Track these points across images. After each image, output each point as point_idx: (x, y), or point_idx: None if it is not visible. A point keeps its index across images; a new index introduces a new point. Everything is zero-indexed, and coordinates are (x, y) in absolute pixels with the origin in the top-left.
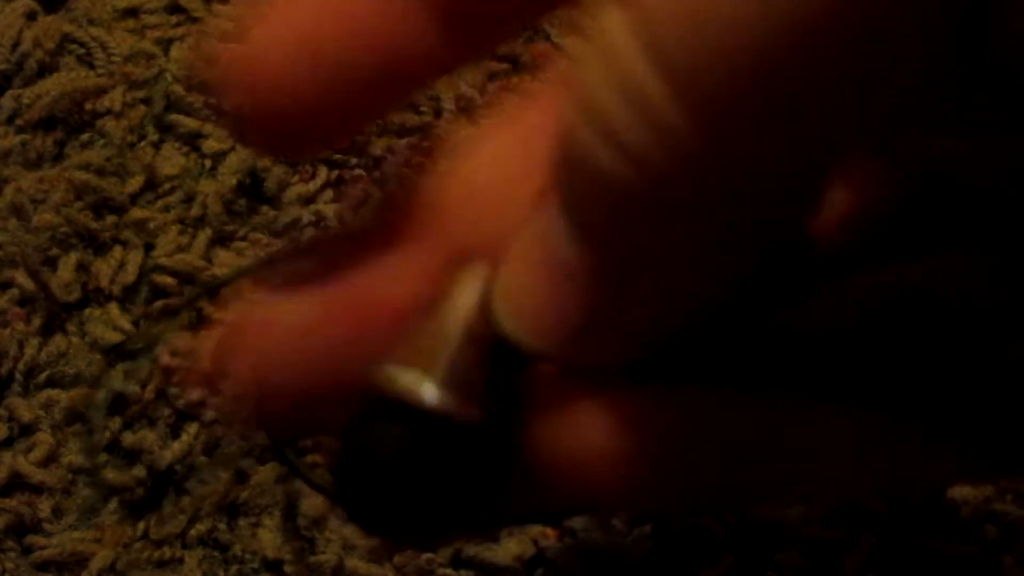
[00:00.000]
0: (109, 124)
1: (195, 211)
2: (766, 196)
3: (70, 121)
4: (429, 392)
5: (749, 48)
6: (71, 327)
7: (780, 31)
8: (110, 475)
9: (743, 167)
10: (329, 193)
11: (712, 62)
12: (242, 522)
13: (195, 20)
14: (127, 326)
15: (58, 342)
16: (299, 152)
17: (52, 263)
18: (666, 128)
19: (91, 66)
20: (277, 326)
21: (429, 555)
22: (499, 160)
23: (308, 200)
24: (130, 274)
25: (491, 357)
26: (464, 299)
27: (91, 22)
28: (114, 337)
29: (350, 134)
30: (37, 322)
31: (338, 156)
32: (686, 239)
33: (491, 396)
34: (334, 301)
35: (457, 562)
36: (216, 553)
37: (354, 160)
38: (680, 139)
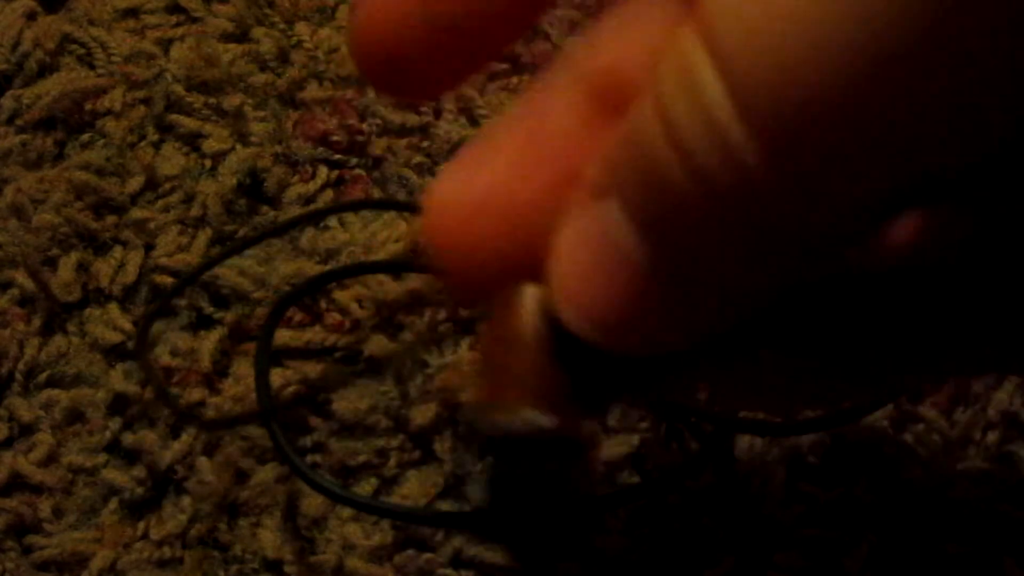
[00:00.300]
0: (109, 124)
1: (195, 211)
2: (826, 226)
3: (70, 121)
4: (543, 420)
5: (827, 89)
6: (71, 327)
7: (858, 74)
8: (110, 475)
9: (806, 200)
10: (329, 193)
11: (787, 100)
12: (242, 522)
13: (195, 20)
14: (127, 326)
15: (58, 342)
16: (421, 93)
17: (52, 263)
18: (737, 157)
19: (91, 66)
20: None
21: (429, 555)
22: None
23: (308, 200)
24: (130, 274)
25: (562, 361)
26: (527, 319)
27: (91, 22)
28: (114, 337)
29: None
30: (37, 322)
31: (338, 156)
32: (744, 250)
33: (575, 396)
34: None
35: (457, 562)
36: (216, 553)
37: (354, 160)
38: (749, 169)
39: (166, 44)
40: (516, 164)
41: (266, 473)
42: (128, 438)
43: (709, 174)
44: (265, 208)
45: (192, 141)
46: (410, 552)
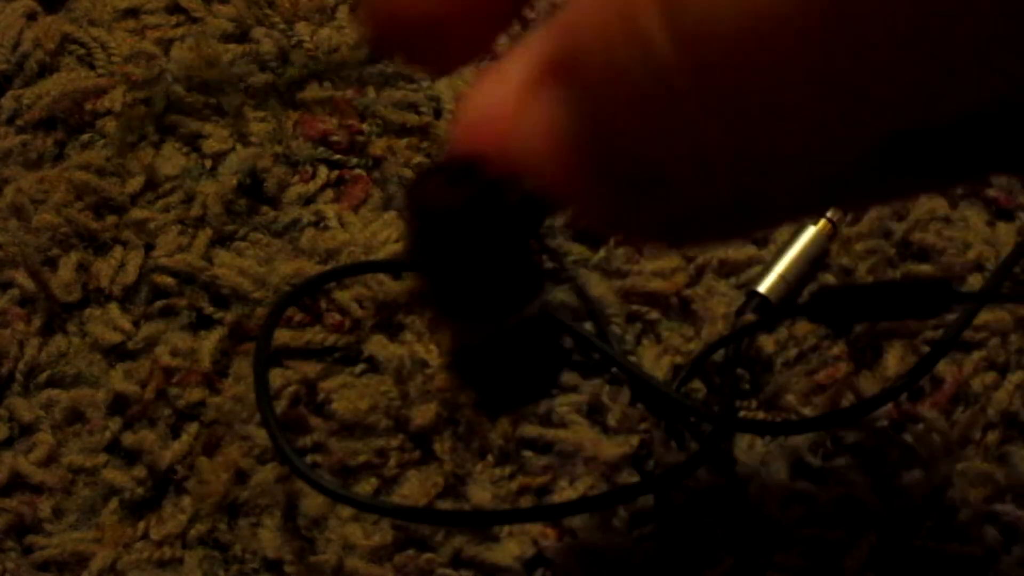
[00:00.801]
0: (109, 124)
1: (195, 211)
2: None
3: (70, 121)
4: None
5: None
6: (71, 327)
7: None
8: (110, 475)
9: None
10: (329, 193)
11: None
12: (242, 522)
13: (195, 20)
14: (127, 326)
15: (58, 342)
16: (443, 63)
17: (52, 263)
18: (658, 64)
19: (91, 66)
20: None
21: (429, 555)
22: None
23: (308, 200)
24: (130, 274)
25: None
26: None
27: (91, 22)
28: (114, 337)
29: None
30: (37, 322)
31: (338, 156)
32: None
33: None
34: None
35: (457, 562)
36: (216, 553)
37: (354, 160)
38: (669, 76)
39: (166, 44)
40: None
41: (266, 473)
42: (128, 438)
43: (633, 76)
44: (265, 208)
45: (192, 141)
46: (410, 552)
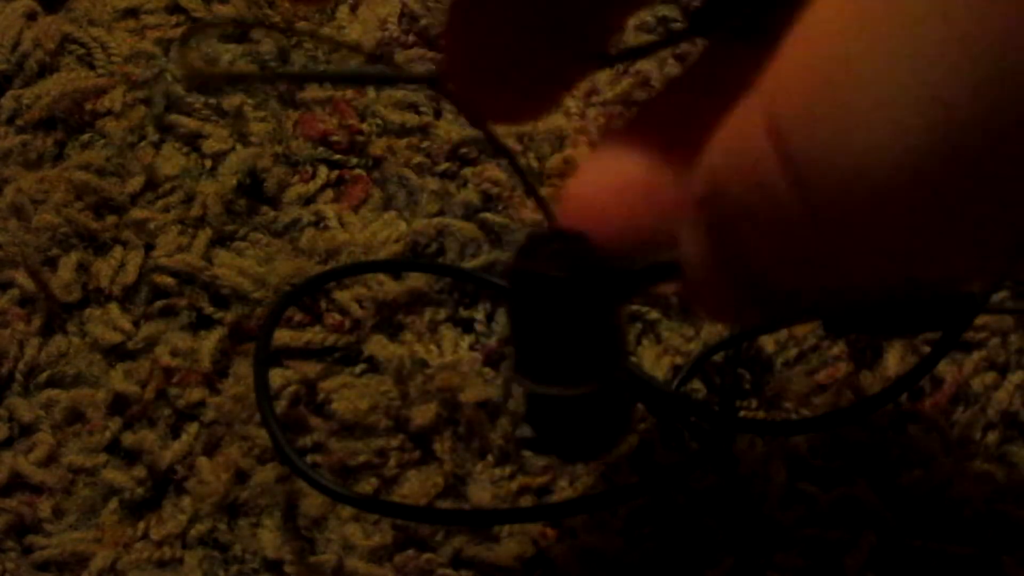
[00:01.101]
0: (109, 124)
1: (195, 211)
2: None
3: (70, 121)
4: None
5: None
6: (71, 327)
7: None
8: (110, 475)
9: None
10: (329, 193)
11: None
12: (242, 522)
13: (195, 20)
14: (127, 326)
15: (58, 342)
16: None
17: (52, 263)
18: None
19: (91, 66)
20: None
21: (429, 555)
22: None
23: (308, 200)
24: (130, 274)
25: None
26: None
27: (91, 22)
28: (114, 337)
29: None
30: (37, 322)
31: (338, 156)
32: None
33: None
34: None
35: (457, 562)
36: (216, 553)
37: (354, 160)
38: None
39: (166, 44)
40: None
41: (266, 473)
42: (128, 438)
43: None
44: (265, 208)
45: (192, 141)
46: (410, 552)
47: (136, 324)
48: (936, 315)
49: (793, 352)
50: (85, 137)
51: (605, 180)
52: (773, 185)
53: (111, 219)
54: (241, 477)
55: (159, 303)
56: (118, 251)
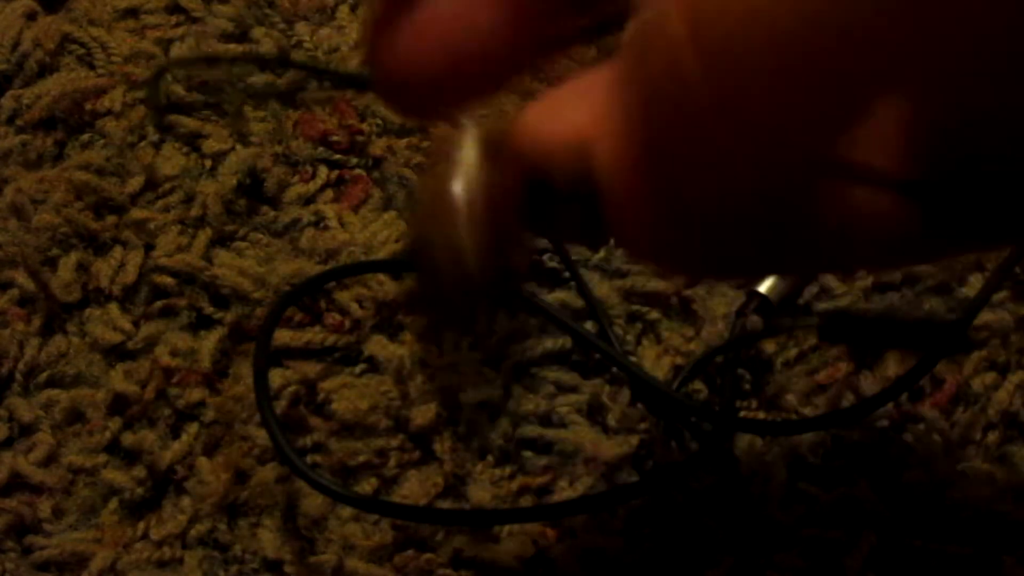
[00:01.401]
0: (109, 124)
1: (195, 211)
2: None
3: (70, 121)
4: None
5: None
6: (71, 327)
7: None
8: (110, 475)
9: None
10: (329, 193)
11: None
12: (242, 522)
13: (195, 20)
14: (127, 326)
15: (58, 342)
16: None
17: (52, 263)
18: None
19: (91, 66)
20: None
21: (429, 555)
22: None
23: (308, 200)
24: (130, 274)
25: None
26: (468, 156)
27: (91, 22)
28: (114, 337)
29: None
30: (37, 322)
31: (338, 156)
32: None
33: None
34: None
35: (457, 562)
36: (216, 553)
37: (354, 160)
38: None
39: (166, 44)
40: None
41: (266, 473)
42: (128, 438)
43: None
44: (265, 208)
45: (192, 141)
46: (410, 552)
47: (136, 324)
48: (926, 332)
49: (793, 352)
50: (85, 137)
51: (547, 111)
52: (684, 62)
53: (111, 219)
54: (241, 477)
55: (159, 303)
56: (118, 251)
